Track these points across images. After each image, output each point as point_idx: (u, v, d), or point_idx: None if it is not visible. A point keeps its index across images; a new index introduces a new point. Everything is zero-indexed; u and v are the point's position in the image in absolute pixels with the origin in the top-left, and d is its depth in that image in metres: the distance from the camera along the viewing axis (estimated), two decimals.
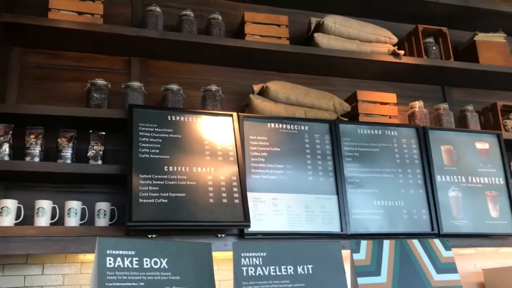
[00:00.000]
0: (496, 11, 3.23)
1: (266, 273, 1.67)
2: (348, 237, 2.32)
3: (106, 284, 1.42)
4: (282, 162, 2.39)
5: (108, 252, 1.49)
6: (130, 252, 1.52)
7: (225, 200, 2.16)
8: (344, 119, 2.71)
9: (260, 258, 1.68)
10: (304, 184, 2.39)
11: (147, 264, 1.53)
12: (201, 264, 1.64)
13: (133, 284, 1.46)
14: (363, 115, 2.73)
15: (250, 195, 2.25)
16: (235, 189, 2.20)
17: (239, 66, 2.81)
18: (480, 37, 3.16)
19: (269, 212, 2.27)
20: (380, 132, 2.65)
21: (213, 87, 2.49)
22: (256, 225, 2.22)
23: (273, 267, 1.68)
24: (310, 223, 2.31)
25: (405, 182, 2.57)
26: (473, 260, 2.85)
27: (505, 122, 3.02)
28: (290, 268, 1.70)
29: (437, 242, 1.95)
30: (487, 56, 3.11)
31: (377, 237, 2.32)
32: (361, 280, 1.77)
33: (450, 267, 1.91)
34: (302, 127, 2.52)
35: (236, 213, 2.14)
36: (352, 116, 2.74)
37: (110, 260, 1.47)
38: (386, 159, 2.59)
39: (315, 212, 2.34)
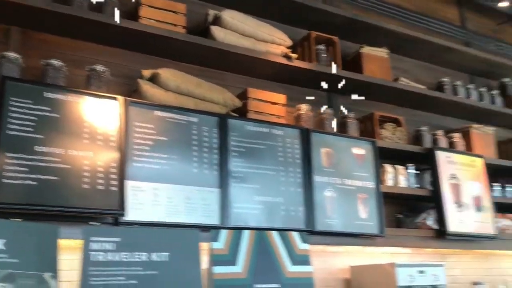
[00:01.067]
0: (382, 27, 3.49)
1: (118, 259, 1.62)
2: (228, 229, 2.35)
3: None
4: (167, 152, 2.35)
5: None
6: None
7: (101, 187, 2.07)
8: (234, 114, 2.74)
9: (114, 244, 1.63)
10: (188, 176, 2.37)
11: None
12: (45, 247, 1.55)
13: None
14: (252, 112, 2.78)
15: (129, 184, 2.18)
16: (113, 176, 2.11)
17: (132, 49, 2.72)
18: (366, 50, 3.38)
19: (148, 201, 2.21)
20: (267, 130, 2.71)
21: (99, 67, 2.37)
22: (133, 215, 2.15)
23: (126, 253, 1.64)
24: (190, 215, 2.30)
25: (286, 180, 2.66)
26: (342, 258, 3.04)
27: (380, 131, 3.26)
28: (144, 255, 1.67)
29: (294, 234, 2.04)
30: (370, 69, 3.33)
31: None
32: (216, 269, 1.79)
33: (305, 259, 2.02)
34: (191, 118, 2.49)
35: (111, 201, 2.06)
36: (242, 113, 2.78)
37: None
38: (270, 156, 2.66)
39: (196, 204, 2.34)
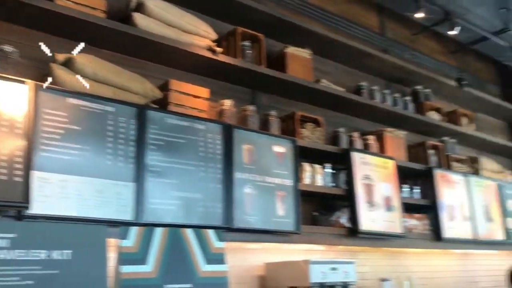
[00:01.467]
0: (307, 29, 3.55)
1: (12, 257, 1.49)
2: (141, 226, 2.26)
3: None
4: (79, 142, 2.22)
5: None
6: None
7: (3, 177, 1.91)
8: (154, 106, 2.64)
9: (8, 240, 1.50)
10: (101, 168, 2.25)
11: None
12: None
13: None
14: (173, 105, 2.70)
15: (36, 174, 2.03)
16: (17, 166, 1.95)
17: (45, 31, 2.53)
18: (290, 49, 3.41)
19: (55, 194, 2.07)
20: (188, 124, 2.65)
21: (6, 47, 2.18)
22: (38, 208, 2.00)
23: (22, 251, 1.52)
24: (101, 209, 2.18)
25: (206, 175, 2.62)
26: (258, 255, 3.06)
27: (301, 130, 3.32)
28: (43, 253, 1.56)
29: (210, 232, 2.00)
30: (293, 69, 3.38)
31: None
32: (125, 269, 1.71)
33: (219, 258, 1.99)
34: (108, 108, 2.37)
35: (15, 193, 1.91)
36: (163, 105, 2.69)
37: None
38: (190, 151, 2.60)
39: (109, 198, 2.22)
